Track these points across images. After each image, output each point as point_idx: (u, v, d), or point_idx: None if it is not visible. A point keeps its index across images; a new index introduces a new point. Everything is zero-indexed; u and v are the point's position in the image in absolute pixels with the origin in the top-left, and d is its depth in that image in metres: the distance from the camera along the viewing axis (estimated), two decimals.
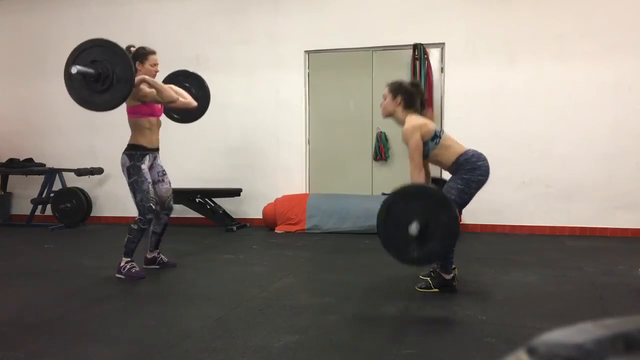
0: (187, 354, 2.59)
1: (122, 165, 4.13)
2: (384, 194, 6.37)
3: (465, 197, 3.45)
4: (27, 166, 7.10)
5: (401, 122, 3.58)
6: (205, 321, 3.05)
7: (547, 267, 4.34)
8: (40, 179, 7.07)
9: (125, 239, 4.10)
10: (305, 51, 6.58)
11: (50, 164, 7.19)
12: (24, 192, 7.32)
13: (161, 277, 4.19)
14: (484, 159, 3.52)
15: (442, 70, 6.18)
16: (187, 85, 4.70)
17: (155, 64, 4.18)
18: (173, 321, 3.10)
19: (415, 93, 3.63)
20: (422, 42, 6.12)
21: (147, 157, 4.15)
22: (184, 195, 6.53)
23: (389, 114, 3.67)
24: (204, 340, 2.76)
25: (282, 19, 6.60)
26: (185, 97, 4.30)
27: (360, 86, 6.49)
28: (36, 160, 7.25)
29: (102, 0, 7.10)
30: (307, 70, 6.62)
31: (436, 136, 3.51)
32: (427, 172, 3.72)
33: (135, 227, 4.07)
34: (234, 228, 6.37)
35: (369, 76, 6.46)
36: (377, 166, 6.51)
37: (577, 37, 5.79)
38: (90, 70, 3.59)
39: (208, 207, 6.60)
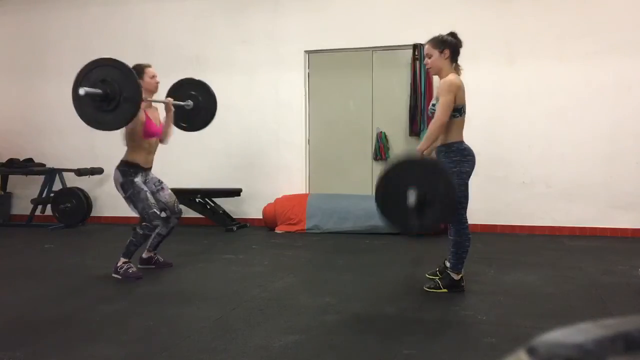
0: (187, 354, 2.59)
1: (115, 181, 4.15)
2: None
3: (464, 188, 3.47)
4: (27, 166, 7.10)
5: (443, 76, 3.49)
6: (205, 321, 3.05)
7: (547, 267, 4.34)
8: (40, 179, 7.07)
9: (128, 241, 4.10)
10: (305, 51, 6.58)
11: (50, 164, 7.19)
12: (24, 192, 7.31)
13: (161, 277, 4.19)
14: (473, 155, 3.54)
15: None
16: (193, 93, 4.69)
17: (154, 76, 4.19)
18: (173, 321, 3.10)
19: (459, 44, 3.58)
20: (422, 42, 6.11)
21: (140, 174, 4.17)
22: (184, 195, 6.51)
23: (438, 70, 3.55)
24: (204, 340, 2.76)
25: (282, 18, 6.60)
26: (168, 136, 4.36)
27: (360, 86, 6.49)
28: (36, 160, 7.25)
29: (102, 0, 7.11)
30: (307, 70, 6.62)
31: (461, 111, 3.47)
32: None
33: (141, 232, 4.07)
34: (234, 228, 6.36)
35: (369, 76, 6.46)
36: (377, 166, 6.50)
37: (577, 37, 5.79)
38: (98, 91, 3.59)
39: (208, 207, 6.60)
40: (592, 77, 5.77)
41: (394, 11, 6.25)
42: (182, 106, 4.62)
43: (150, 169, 4.29)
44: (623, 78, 5.69)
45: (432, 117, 3.62)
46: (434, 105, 3.57)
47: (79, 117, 3.79)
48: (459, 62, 3.65)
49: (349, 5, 6.40)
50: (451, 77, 3.47)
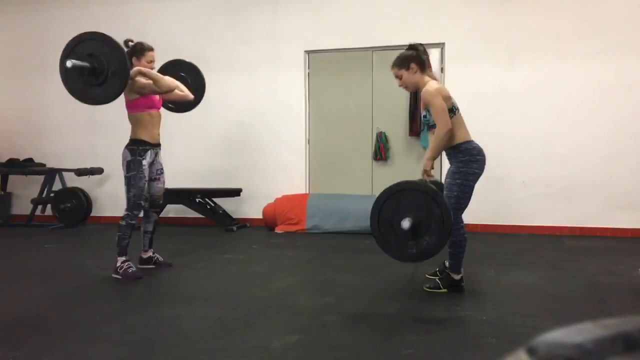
0: (187, 354, 2.58)
1: (123, 159, 4.12)
2: None
3: (467, 190, 3.45)
4: (27, 166, 7.10)
5: (421, 88, 3.54)
6: (205, 321, 3.05)
7: (547, 267, 4.34)
8: (40, 179, 7.07)
9: (116, 238, 4.10)
10: (305, 51, 6.58)
11: (50, 164, 7.19)
12: (24, 192, 7.32)
13: (160, 277, 4.19)
14: (483, 155, 3.52)
15: (442, 70, 6.18)
16: (182, 74, 4.66)
17: (152, 61, 4.16)
18: (173, 321, 3.09)
19: (421, 54, 3.61)
20: (422, 42, 6.10)
21: (149, 152, 4.16)
22: (184, 195, 6.53)
23: (415, 86, 3.60)
24: (204, 340, 2.76)
25: (281, 18, 6.60)
26: (182, 89, 4.30)
27: (360, 86, 6.49)
28: (36, 160, 7.25)
29: (102, 0, 7.11)
30: (307, 70, 6.62)
31: (453, 109, 3.48)
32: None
33: (124, 223, 4.08)
34: (234, 228, 6.36)
35: (369, 76, 6.46)
36: (377, 166, 6.51)
37: (577, 37, 5.79)
38: (86, 64, 3.60)
39: (208, 207, 6.60)
40: (592, 77, 5.77)
41: (394, 11, 6.25)
42: None
43: (159, 145, 4.28)
44: (623, 78, 5.70)
45: (428, 126, 3.63)
46: (425, 116, 3.58)
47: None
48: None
49: (349, 5, 6.40)
50: (429, 85, 3.49)
